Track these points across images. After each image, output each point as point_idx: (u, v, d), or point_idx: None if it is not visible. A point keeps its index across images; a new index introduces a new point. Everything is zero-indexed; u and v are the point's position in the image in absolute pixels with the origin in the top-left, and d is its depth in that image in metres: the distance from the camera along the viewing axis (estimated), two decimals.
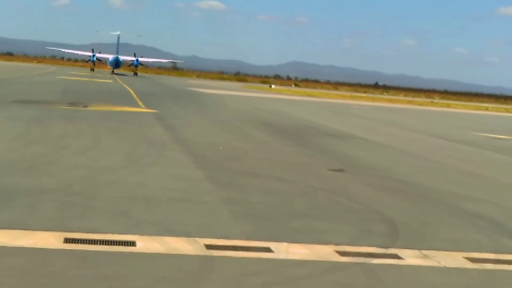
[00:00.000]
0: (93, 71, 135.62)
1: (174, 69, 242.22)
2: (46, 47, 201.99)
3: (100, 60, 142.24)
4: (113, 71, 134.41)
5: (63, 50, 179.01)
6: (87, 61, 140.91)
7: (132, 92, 54.22)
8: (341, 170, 17.61)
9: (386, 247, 9.68)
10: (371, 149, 24.72)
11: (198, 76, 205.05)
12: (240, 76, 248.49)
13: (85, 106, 32.60)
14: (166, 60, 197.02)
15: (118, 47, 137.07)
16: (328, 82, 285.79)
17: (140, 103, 39.70)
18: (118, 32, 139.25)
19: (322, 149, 22.99)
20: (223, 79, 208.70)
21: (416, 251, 9.60)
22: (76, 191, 11.68)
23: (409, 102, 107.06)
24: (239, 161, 17.80)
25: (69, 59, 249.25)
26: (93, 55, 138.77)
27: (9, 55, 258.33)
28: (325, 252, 9.11)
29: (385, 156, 22.60)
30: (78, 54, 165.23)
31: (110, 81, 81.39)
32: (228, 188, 13.40)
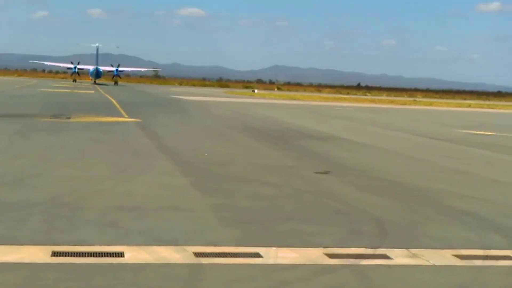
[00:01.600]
0: (75, 82, 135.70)
1: (156, 77, 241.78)
2: (30, 61, 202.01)
3: (82, 70, 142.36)
4: (95, 82, 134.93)
5: (46, 63, 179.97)
6: (71, 74, 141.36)
7: (114, 101, 54.06)
8: (327, 172, 17.65)
9: (375, 248, 9.70)
10: (356, 149, 24.79)
11: (180, 84, 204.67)
12: (223, 82, 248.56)
13: (68, 118, 32.47)
14: (145, 69, 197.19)
15: (97, 58, 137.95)
16: (310, 85, 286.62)
17: (122, 112, 39.59)
18: (97, 44, 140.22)
19: (307, 151, 23.02)
20: (205, 85, 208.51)
21: (405, 251, 9.63)
22: (64, 203, 11.62)
23: (392, 102, 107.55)
24: (225, 166, 17.78)
25: (50, 71, 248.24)
26: (75, 67, 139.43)
27: None
28: (314, 255, 9.11)
29: (370, 156, 22.67)
30: (60, 66, 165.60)
31: (92, 91, 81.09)
32: (215, 194, 13.38)
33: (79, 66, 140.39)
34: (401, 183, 16.50)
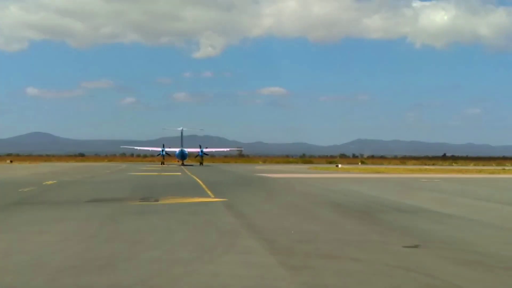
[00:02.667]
0: (163, 164, 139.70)
1: (240, 156, 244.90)
2: (121, 146, 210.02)
3: (169, 154, 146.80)
4: (182, 163, 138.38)
5: (135, 147, 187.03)
6: (161, 156, 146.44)
7: (200, 182, 54.85)
8: (416, 246, 17.23)
9: None
10: (445, 222, 24.15)
11: (264, 161, 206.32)
12: (306, 158, 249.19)
13: (156, 200, 33.11)
14: (229, 149, 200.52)
15: (182, 140, 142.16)
16: (395, 157, 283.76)
17: (209, 192, 40.07)
18: (181, 128, 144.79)
19: (394, 225, 22.59)
20: (289, 162, 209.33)
21: None
22: (153, 285, 11.75)
23: (480, 171, 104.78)
24: (312, 243, 17.63)
25: (138, 155, 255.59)
26: (162, 150, 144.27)
27: (81, 156, 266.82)
28: None
29: (460, 228, 22.01)
30: (148, 150, 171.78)
31: (179, 173, 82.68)
32: (303, 272, 13.25)
33: (166, 149, 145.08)
34: (494, 255, 15.89)
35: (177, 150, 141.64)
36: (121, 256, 15.27)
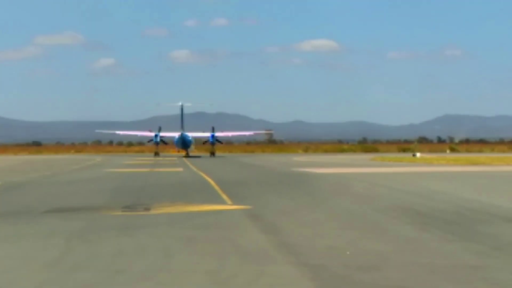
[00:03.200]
0: (158, 155, 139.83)
1: (270, 142, 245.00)
2: (96, 130, 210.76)
3: (165, 142, 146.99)
4: (186, 154, 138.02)
5: (116, 132, 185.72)
6: (148, 143, 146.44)
7: (211, 181, 54.93)
8: None
9: None
10: None
11: (306, 150, 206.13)
12: (368, 144, 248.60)
13: (147, 209, 33.21)
14: (253, 132, 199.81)
15: (183, 120, 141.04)
16: (501, 141, 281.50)
17: (224, 197, 40.12)
18: (180, 103, 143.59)
19: (501, 243, 22.43)
20: (342, 150, 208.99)
21: None
22: None
23: None
24: (377, 271, 17.57)
25: (120, 143, 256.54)
26: (156, 135, 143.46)
27: (36, 145, 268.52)
28: None
29: None
30: (136, 135, 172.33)
31: (180, 169, 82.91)
32: None
33: (162, 134, 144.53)
34: None
35: (176, 135, 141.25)
36: None
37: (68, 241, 22.94)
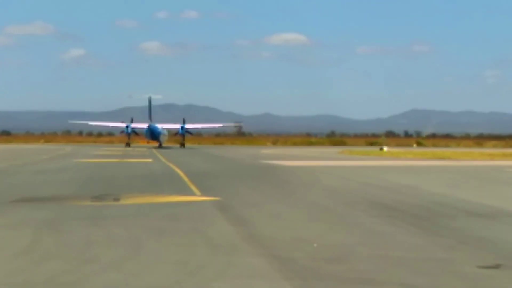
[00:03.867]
0: (129, 146, 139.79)
1: (240, 134, 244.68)
2: (69, 121, 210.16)
3: (137, 133, 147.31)
4: (160, 145, 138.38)
5: (89, 123, 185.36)
6: (127, 135, 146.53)
7: (180, 173, 54.86)
8: (497, 267, 17.21)
9: None
10: None
11: (275, 143, 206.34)
12: (336, 137, 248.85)
13: (117, 200, 33.13)
14: (222, 124, 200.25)
15: (151, 112, 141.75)
16: (466, 136, 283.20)
17: (193, 188, 40.08)
18: (150, 95, 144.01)
19: (466, 236, 22.58)
20: (311, 143, 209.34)
21: None
22: None
23: None
24: (344, 263, 17.62)
25: (90, 134, 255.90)
26: (127, 126, 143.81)
27: (5, 135, 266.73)
28: None
29: None
30: (108, 126, 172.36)
31: (150, 159, 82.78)
32: None
33: (133, 125, 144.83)
34: None
35: (145, 126, 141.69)
36: (65, 280, 15.27)
37: (37, 230, 22.84)
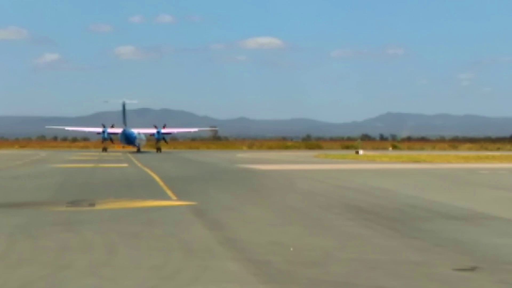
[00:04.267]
0: (106, 151, 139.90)
1: (215, 139, 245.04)
2: (46, 127, 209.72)
3: (112, 139, 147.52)
4: (138, 150, 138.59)
5: (66, 128, 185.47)
6: (102, 140, 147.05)
7: (156, 177, 54.81)
8: (472, 269, 17.29)
9: None
10: None
11: (251, 147, 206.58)
12: (312, 141, 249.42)
13: (92, 205, 33.04)
14: (198, 129, 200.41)
15: (125, 117, 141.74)
16: (441, 139, 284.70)
17: (169, 193, 40.04)
18: (124, 100, 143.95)
19: (441, 239, 22.66)
20: (287, 147, 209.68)
21: None
22: None
23: None
24: (320, 266, 17.65)
25: (64, 139, 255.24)
26: (104, 131, 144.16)
27: None
28: None
29: None
30: (84, 131, 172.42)
31: (125, 164, 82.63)
32: None
33: (110, 130, 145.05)
34: None
35: (120, 131, 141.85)
36: (40, 286, 15.19)
37: (11, 236, 22.74)
